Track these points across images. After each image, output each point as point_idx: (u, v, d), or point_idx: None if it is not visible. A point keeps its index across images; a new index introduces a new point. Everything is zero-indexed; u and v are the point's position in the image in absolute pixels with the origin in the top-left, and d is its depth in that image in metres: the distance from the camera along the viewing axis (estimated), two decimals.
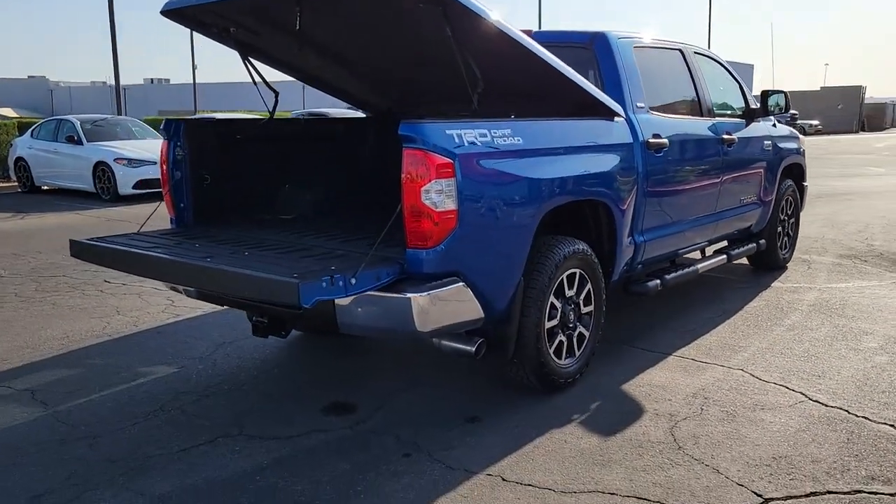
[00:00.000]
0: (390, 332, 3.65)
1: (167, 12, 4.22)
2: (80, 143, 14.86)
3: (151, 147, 14.91)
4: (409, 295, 3.30)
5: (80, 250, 3.96)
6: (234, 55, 4.53)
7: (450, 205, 3.34)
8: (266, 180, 4.84)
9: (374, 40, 4.38)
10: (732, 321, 5.46)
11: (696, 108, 5.54)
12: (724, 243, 6.41)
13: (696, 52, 5.77)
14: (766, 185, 6.44)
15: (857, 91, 62.81)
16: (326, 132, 5.52)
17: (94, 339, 5.30)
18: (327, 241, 4.05)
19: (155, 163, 14.19)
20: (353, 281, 3.16)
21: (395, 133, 3.31)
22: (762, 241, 6.54)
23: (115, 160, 14.11)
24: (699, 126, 5.44)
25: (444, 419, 3.84)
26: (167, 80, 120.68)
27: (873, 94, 76.34)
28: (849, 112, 61.12)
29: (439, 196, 3.31)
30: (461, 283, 3.45)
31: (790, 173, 6.99)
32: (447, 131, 3.37)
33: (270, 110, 4.73)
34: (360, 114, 6.28)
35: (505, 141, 3.65)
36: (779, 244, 6.92)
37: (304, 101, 36.49)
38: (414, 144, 3.28)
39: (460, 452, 3.47)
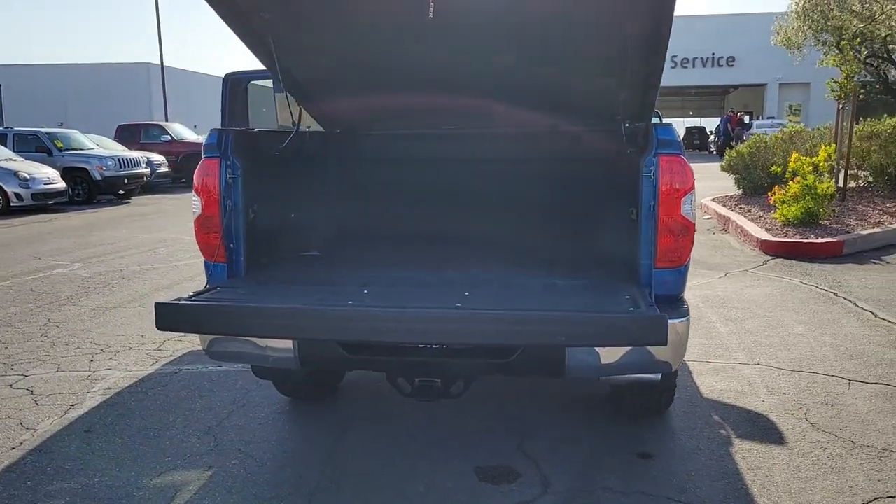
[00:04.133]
0: (631, 371, 3.10)
1: None
2: None
3: None
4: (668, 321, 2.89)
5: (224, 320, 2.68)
6: None
7: (694, 217, 3.02)
8: (304, 207, 3.78)
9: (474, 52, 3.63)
10: None
11: None
12: None
13: None
14: None
15: None
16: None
17: (20, 452, 3.58)
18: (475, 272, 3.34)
19: None
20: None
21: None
22: None
23: None
24: None
25: (621, 462, 3.44)
26: None
27: None
28: None
29: (691, 207, 2.97)
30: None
31: None
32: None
33: (296, 122, 3.71)
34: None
35: None
36: None
37: None
38: (673, 150, 2.90)
39: (693, 493, 3.13)
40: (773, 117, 38.15)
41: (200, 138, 24.77)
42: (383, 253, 3.84)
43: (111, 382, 4.62)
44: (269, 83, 6.44)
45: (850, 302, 6.28)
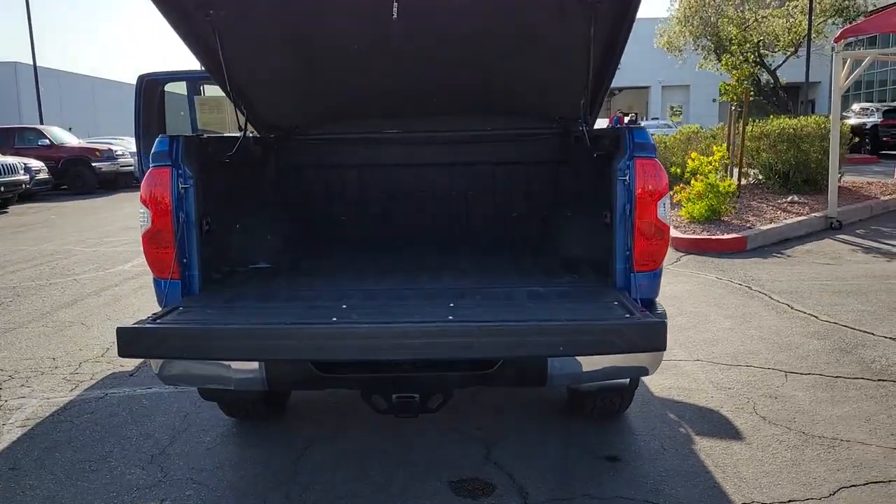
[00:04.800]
0: (612, 376, 3.05)
1: None
2: None
3: None
4: None
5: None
6: None
7: (668, 220, 3.03)
8: (259, 217, 3.54)
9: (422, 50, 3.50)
10: None
11: None
12: None
13: None
14: None
15: None
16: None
17: None
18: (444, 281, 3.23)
19: None
20: None
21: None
22: None
23: None
24: None
25: (591, 467, 3.42)
26: None
27: None
28: None
29: (665, 210, 2.98)
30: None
31: None
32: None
33: (242, 125, 3.48)
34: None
35: None
36: None
37: None
38: (648, 153, 2.90)
39: (670, 494, 3.16)
40: (657, 118, 39.81)
41: (82, 142, 23.40)
42: (344, 264, 3.68)
43: (29, 412, 4.23)
44: (183, 86, 6.11)
45: (766, 295, 6.56)
